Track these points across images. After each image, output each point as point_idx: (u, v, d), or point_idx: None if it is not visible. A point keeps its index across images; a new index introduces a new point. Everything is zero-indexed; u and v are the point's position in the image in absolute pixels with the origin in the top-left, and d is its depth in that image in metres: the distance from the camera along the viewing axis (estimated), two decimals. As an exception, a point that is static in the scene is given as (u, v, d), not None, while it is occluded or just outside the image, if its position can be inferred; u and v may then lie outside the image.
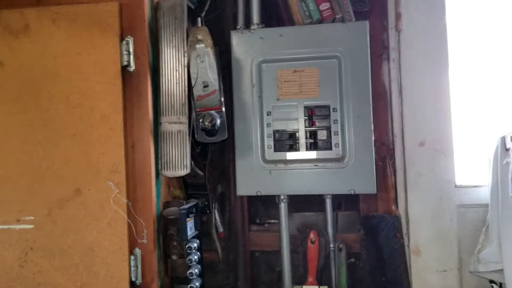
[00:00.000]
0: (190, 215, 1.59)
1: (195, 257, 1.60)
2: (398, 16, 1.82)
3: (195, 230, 1.65)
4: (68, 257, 1.52)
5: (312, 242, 1.83)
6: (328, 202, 1.83)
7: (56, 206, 1.52)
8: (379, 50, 1.83)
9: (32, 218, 1.53)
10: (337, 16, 1.73)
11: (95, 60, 1.52)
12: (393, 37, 1.84)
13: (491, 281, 1.78)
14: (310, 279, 1.83)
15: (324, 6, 1.73)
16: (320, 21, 1.74)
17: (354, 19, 1.73)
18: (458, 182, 1.83)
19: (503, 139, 1.69)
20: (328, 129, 1.73)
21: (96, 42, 1.52)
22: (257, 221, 1.96)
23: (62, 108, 1.53)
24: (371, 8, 1.81)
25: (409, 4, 1.82)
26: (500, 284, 1.75)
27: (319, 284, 1.83)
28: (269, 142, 1.75)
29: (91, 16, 1.53)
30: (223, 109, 1.65)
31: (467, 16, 1.87)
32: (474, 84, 1.88)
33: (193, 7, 1.74)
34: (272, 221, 1.95)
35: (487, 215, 1.78)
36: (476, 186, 1.83)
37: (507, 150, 1.67)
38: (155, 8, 1.61)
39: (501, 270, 1.70)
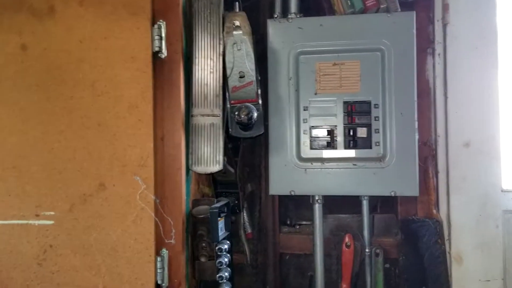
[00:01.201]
0: (222, 215, 1.39)
1: (225, 259, 1.40)
2: (445, 8, 1.60)
3: (226, 231, 1.44)
4: (90, 256, 1.32)
5: (347, 246, 1.62)
6: (365, 204, 1.61)
7: (78, 202, 1.33)
8: (424, 44, 1.62)
9: (52, 213, 1.34)
10: (382, 6, 1.51)
11: (124, 45, 1.33)
12: (439, 30, 1.62)
13: (540, 294, 1.56)
14: (344, 285, 1.63)
15: (368, -5, 1.52)
16: (363, 11, 1.53)
17: (399, 10, 1.52)
18: (504, 187, 1.61)
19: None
20: (369, 126, 1.51)
21: (126, 26, 1.33)
22: (288, 222, 1.76)
23: (87, 96, 1.34)
24: (417, -2, 1.60)
25: (457, -5, 1.61)
26: (550, 297, 1.53)
27: (353, 291, 1.63)
28: (305, 139, 1.54)
29: (121, -2, 1.33)
30: (260, 101, 1.45)
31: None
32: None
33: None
34: (304, 222, 1.74)
35: (536, 223, 1.57)
36: (524, 191, 1.61)
37: None
38: (189, -9, 1.42)
39: (553, 282, 1.48)
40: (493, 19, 1.59)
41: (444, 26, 1.62)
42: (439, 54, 1.63)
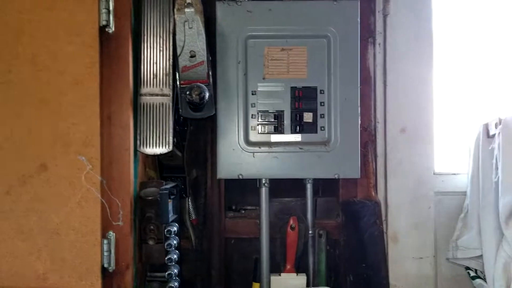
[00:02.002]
0: (171, 197, 1.32)
1: (174, 242, 1.34)
2: (386, -1, 1.65)
3: (174, 213, 1.38)
4: (30, 241, 1.20)
5: (292, 228, 1.61)
6: (309, 187, 1.60)
7: (16, 183, 1.20)
8: (366, 34, 1.64)
9: (-14, 196, 1.20)
10: (328, -6, 1.51)
11: (68, 17, 1.22)
12: (379, 20, 1.66)
13: (467, 268, 1.64)
14: (288, 266, 1.61)
15: (315, -19, 1.51)
16: (311, -3, 1.53)
17: (345, -2, 1.52)
18: (437, 170, 1.68)
19: (485, 126, 1.55)
20: (315, 111, 1.50)
21: (71, -3, 1.22)
22: (233, 207, 1.71)
23: (27, 71, 1.21)
24: (360, -11, 1.62)
25: (398, -13, 1.65)
26: (476, 270, 1.61)
27: (297, 271, 1.61)
28: (253, 123, 1.50)
29: (66, -33, 1.22)
30: (211, 82, 1.39)
31: (453, 1, 1.72)
32: (457, 72, 1.74)
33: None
34: (249, 207, 1.71)
35: (463, 203, 1.65)
36: (454, 174, 1.68)
37: (490, 137, 1.53)
38: (138, -36, 1.33)
39: (480, 257, 1.57)
40: (429, 12, 1.66)
41: (385, 17, 1.66)
42: (379, 44, 1.66)
